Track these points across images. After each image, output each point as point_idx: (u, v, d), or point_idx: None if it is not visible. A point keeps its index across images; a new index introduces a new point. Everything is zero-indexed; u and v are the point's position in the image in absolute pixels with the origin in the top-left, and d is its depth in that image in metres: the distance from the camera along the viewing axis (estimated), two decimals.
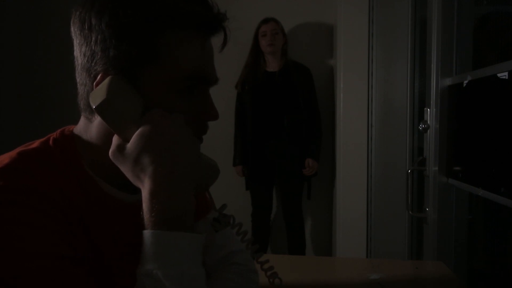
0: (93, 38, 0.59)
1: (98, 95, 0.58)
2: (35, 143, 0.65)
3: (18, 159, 0.59)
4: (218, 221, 0.70)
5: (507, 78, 1.16)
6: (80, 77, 0.63)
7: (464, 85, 1.42)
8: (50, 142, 0.65)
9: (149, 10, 0.58)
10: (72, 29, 0.62)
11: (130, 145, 0.57)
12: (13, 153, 0.61)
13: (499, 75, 1.21)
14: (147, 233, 0.54)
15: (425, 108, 1.60)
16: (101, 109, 0.58)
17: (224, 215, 0.70)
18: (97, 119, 0.63)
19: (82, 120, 0.67)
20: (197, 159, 0.61)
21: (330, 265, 1.44)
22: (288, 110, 2.73)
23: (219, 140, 2.68)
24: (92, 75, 0.60)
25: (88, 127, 0.65)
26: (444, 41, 1.50)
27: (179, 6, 0.59)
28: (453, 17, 1.52)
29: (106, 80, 0.59)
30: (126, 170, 0.58)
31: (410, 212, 1.80)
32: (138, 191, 0.69)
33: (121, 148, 0.58)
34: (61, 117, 3.26)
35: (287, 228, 2.87)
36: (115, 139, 0.60)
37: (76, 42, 0.62)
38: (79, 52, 0.62)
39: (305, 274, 1.21)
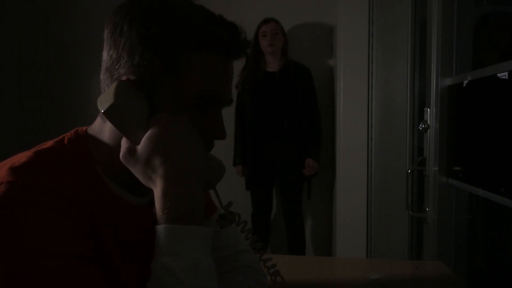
0: (122, 43, 0.61)
1: (105, 100, 0.60)
2: (50, 143, 0.66)
3: (34, 159, 0.61)
4: (224, 218, 0.71)
5: (507, 78, 1.16)
6: (103, 77, 0.65)
7: (464, 85, 1.42)
8: (65, 142, 0.66)
9: (179, 28, 0.61)
10: (105, 31, 0.65)
11: (140, 148, 0.60)
12: (29, 153, 0.62)
13: (499, 75, 1.21)
14: (160, 228, 0.56)
15: (425, 108, 1.60)
16: (109, 113, 0.60)
17: (230, 212, 0.71)
18: None
19: (98, 120, 0.68)
20: (204, 157, 0.63)
21: (330, 265, 1.44)
22: (288, 110, 2.73)
23: (219, 140, 2.65)
24: (114, 77, 0.63)
25: (103, 128, 0.67)
26: (444, 41, 1.50)
27: (208, 28, 0.62)
28: (453, 17, 1.52)
29: (113, 85, 0.61)
30: (137, 172, 0.60)
31: (410, 212, 1.80)
32: (146, 194, 0.70)
33: (131, 151, 0.60)
34: (60, 117, 3.26)
35: (287, 228, 2.87)
36: (124, 142, 0.61)
37: (105, 44, 0.64)
38: (106, 54, 0.64)
39: (305, 274, 1.21)
